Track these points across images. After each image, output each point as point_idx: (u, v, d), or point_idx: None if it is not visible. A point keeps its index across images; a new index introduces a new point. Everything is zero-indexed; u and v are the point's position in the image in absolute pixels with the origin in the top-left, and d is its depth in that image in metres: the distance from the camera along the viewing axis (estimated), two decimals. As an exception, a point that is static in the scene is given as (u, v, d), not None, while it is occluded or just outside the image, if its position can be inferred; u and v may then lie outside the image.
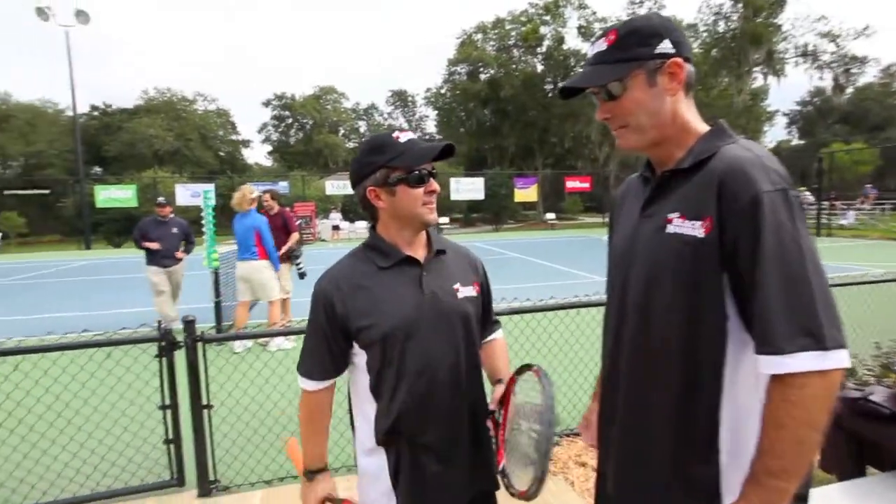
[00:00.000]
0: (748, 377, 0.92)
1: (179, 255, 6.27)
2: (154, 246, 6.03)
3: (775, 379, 0.84)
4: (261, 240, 5.19)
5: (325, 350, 1.20)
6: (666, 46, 0.97)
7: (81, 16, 21.04)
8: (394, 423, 1.18)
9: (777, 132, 47.73)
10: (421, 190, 1.17)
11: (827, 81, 32.59)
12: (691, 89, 1.02)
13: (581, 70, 1.03)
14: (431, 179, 1.19)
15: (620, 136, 1.02)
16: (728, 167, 0.89)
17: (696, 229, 0.91)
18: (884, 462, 2.08)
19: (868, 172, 27.72)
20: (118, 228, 25.67)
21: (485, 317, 1.37)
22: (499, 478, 1.20)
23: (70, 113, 27.10)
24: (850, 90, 34.33)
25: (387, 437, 1.20)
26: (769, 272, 0.83)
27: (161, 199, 6.51)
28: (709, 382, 0.93)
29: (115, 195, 21.51)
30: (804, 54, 30.34)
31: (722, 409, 0.92)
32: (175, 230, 6.26)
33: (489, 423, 1.27)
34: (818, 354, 0.80)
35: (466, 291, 1.26)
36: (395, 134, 1.18)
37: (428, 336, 1.18)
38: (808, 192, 24.20)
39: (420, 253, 1.24)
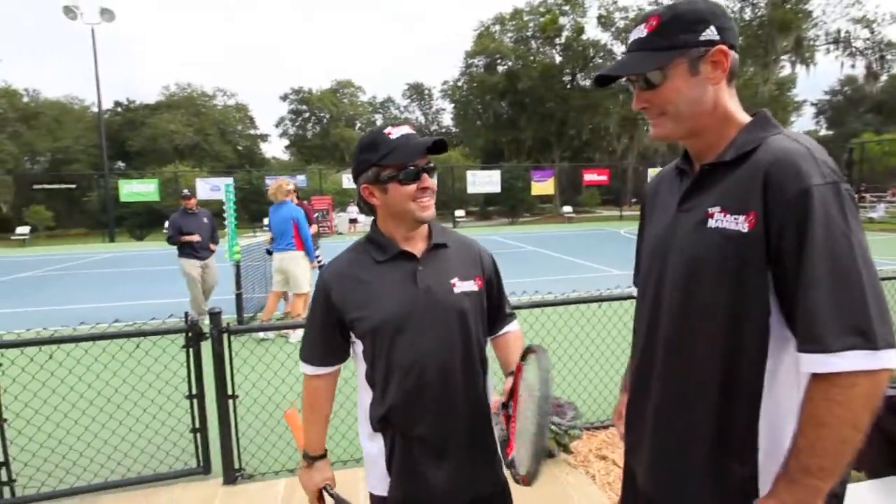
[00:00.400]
0: (789, 375, 0.89)
1: (213, 247, 6.36)
2: (195, 238, 6.10)
3: (818, 377, 0.81)
4: (298, 230, 5.29)
5: (321, 338, 1.24)
6: (711, 33, 0.92)
7: (106, 13, 21.48)
8: (385, 414, 1.20)
9: (804, 122, 46.26)
10: (413, 187, 1.16)
11: (859, 69, 31.33)
12: (735, 77, 0.98)
13: (620, 57, 1.00)
14: (424, 175, 1.17)
15: (658, 124, 0.98)
16: (775, 159, 0.86)
17: (739, 224, 0.88)
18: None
19: (900, 164, 26.70)
20: (141, 222, 26.30)
21: (495, 310, 1.35)
22: (507, 470, 1.17)
23: (95, 109, 27.79)
24: (884, 78, 32.93)
25: (380, 425, 1.22)
26: (818, 266, 0.80)
27: (186, 191, 6.60)
28: (749, 381, 0.90)
29: (137, 189, 22.06)
30: (836, 41, 29.19)
31: (762, 408, 0.90)
32: (206, 220, 6.34)
33: (502, 417, 1.24)
34: (868, 354, 0.77)
35: (465, 286, 1.24)
36: (388, 130, 1.17)
37: (420, 331, 1.18)
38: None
39: (418, 247, 1.23)
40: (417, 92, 54.54)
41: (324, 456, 1.31)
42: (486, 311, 1.30)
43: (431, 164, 1.19)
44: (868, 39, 28.97)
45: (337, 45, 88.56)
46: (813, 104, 43.30)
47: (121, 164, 36.63)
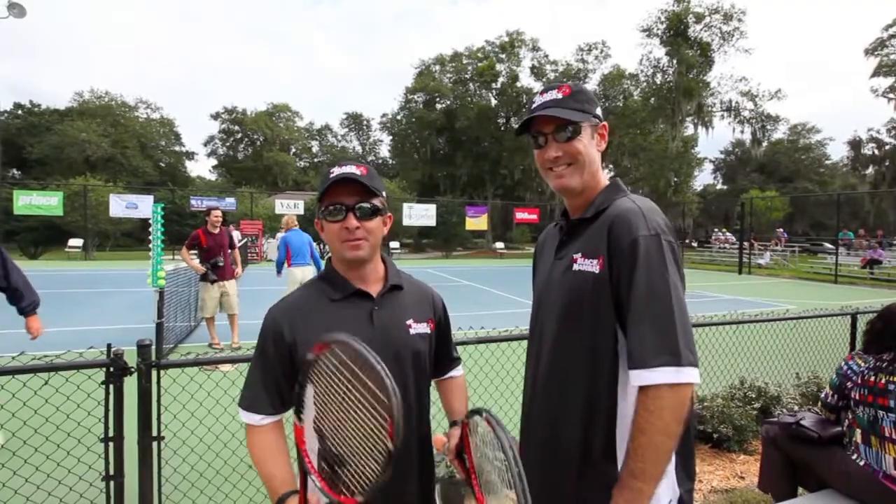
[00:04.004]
0: (636, 394, 1.06)
1: None
2: None
3: (641, 391, 0.98)
4: (312, 250, 6.84)
5: (271, 382, 1.15)
6: (599, 112, 1.18)
7: (15, 8, 19.58)
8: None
9: (704, 177, 52.48)
10: (337, 225, 1.15)
11: (746, 135, 36.36)
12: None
13: (542, 109, 1.14)
14: (350, 215, 1.14)
15: (566, 174, 1.15)
16: (616, 215, 1.07)
17: (593, 266, 1.08)
18: (812, 483, 2.31)
19: (780, 218, 30.88)
20: (36, 238, 23.48)
21: (443, 354, 1.36)
22: None
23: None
24: (765, 144, 38.38)
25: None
26: (640, 299, 0.99)
27: None
28: (606, 393, 1.07)
29: (37, 202, 19.67)
30: (728, 109, 33.77)
31: (618, 416, 1.07)
32: None
33: (457, 466, 1.27)
34: (674, 370, 0.95)
35: (419, 328, 1.24)
36: (334, 168, 1.17)
37: None
38: (729, 234, 26.58)
39: (374, 287, 1.22)
40: (356, 121, 54.73)
41: (296, 491, 1.09)
42: (434, 353, 1.31)
43: (367, 204, 1.15)
44: (752, 111, 33.80)
45: (275, 68, 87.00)
46: (711, 161, 49.20)
47: (16, 171, 32.72)
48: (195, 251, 6.05)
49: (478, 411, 1.21)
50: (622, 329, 1.03)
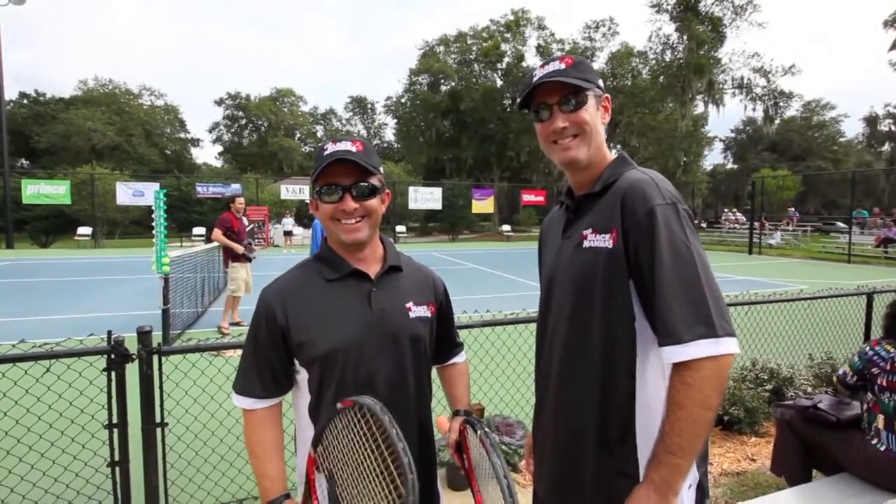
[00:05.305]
0: (656, 369, 1.01)
1: None
2: None
3: (675, 366, 0.92)
4: None
5: (264, 365, 1.11)
6: (601, 84, 1.14)
7: (14, -4, 19.42)
8: None
9: (714, 156, 51.58)
10: (331, 206, 1.10)
11: (758, 113, 35.55)
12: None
13: (548, 78, 1.09)
14: (347, 196, 1.09)
15: (572, 145, 1.09)
16: (629, 186, 1.02)
17: (606, 241, 1.02)
18: (828, 467, 2.25)
19: (791, 197, 30.36)
20: (45, 227, 23.71)
21: (444, 339, 1.32)
22: None
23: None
24: (777, 122, 37.50)
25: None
26: (665, 271, 0.93)
27: None
28: (623, 375, 1.01)
29: (45, 191, 19.80)
30: (739, 86, 32.96)
31: (636, 398, 1.01)
32: None
33: (456, 458, 1.27)
34: (712, 342, 0.89)
35: (419, 311, 1.19)
36: (328, 145, 1.12)
37: (373, 356, 1.11)
38: (740, 214, 26.19)
39: (372, 268, 1.17)
40: (360, 105, 54.27)
41: (288, 496, 1.13)
42: (436, 338, 1.27)
43: (365, 184, 1.11)
44: (765, 87, 32.96)
45: (278, 53, 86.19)
46: (721, 140, 48.27)
47: (24, 161, 32.93)
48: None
49: (473, 425, 1.20)
50: (643, 305, 0.98)
